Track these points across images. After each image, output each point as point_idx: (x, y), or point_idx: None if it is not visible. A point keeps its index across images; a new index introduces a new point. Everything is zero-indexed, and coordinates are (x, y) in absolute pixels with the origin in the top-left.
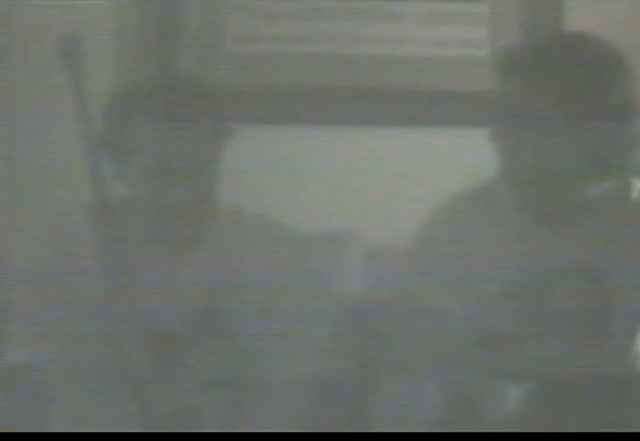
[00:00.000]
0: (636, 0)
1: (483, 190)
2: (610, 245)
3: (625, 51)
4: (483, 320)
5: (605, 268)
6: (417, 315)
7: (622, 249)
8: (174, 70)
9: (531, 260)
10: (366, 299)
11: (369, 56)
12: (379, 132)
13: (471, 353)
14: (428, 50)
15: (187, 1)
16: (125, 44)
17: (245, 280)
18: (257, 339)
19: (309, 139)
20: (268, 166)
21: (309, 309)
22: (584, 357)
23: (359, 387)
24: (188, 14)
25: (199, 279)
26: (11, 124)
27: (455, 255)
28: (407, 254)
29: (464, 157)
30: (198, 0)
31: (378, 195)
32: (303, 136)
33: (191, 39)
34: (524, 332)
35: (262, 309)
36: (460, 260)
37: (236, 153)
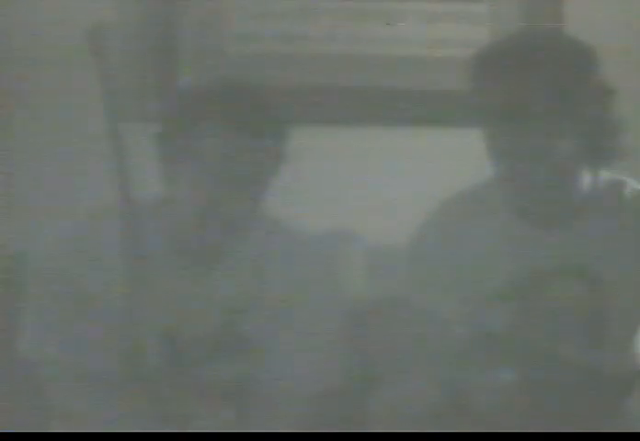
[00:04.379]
0: (635, 0)
1: (477, 192)
2: (604, 245)
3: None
4: (479, 320)
5: (600, 268)
6: (414, 315)
7: (617, 248)
8: (231, 76)
9: (526, 261)
10: (366, 300)
11: (369, 56)
12: (379, 132)
13: (468, 353)
14: (428, 51)
15: (187, 1)
16: (125, 44)
17: (244, 280)
18: (256, 339)
19: (309, 139)
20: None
21: (309, 309)
22: (580, 357)
23: (359, 387)
24: (188, 14)
25: (204, 279)
26: (36, 122)
27: (450, 257)
28: (404, 256)
29: (465, 157)
30: (198, 0)
31: (378, 195)
32: (304, 136)
33: (191, 38)
34: (520, 332)
35: (262, 309)
36: (455, 261)
37: None
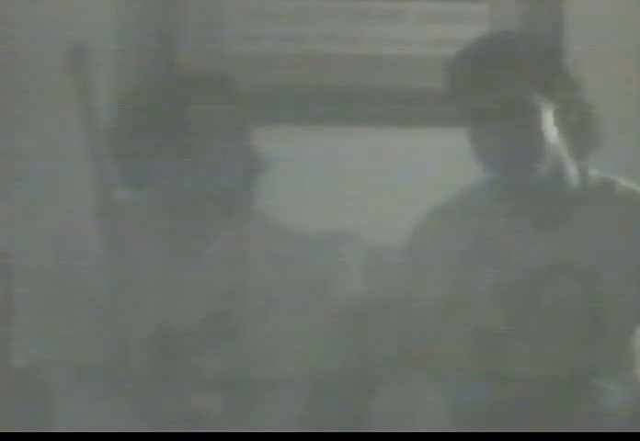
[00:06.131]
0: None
1: (473, 191)
2: (596, 244)
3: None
4: (476, 321)
5: (593, 267)
6: (413, 316)
7: (610, 247)
8: (183, 68)
9: (520, 261)
10: (366, 300)
11: (369, 56)
12: (379, 132)
13: (465, 353)
14: (428, 50)
15: (187, 1)
16: (125, 44)
17: (246, 280)
18: (257, 339)
19: (309, 139)
20: (267, 166)
21: (309, 309)
22: (575, 357)
23: (359, 387)
24: (188, 14)
25: (202, 280)
26: (16, 126)
27: (445, 257)
28: (400, 256)
29: (465, 157)
30: (198, 0)
31: (378, 195)
32: (303, 136)
33: (191, 39)
34: (516, 332)
35: (263, 309)
36: (451, 262)
37: None
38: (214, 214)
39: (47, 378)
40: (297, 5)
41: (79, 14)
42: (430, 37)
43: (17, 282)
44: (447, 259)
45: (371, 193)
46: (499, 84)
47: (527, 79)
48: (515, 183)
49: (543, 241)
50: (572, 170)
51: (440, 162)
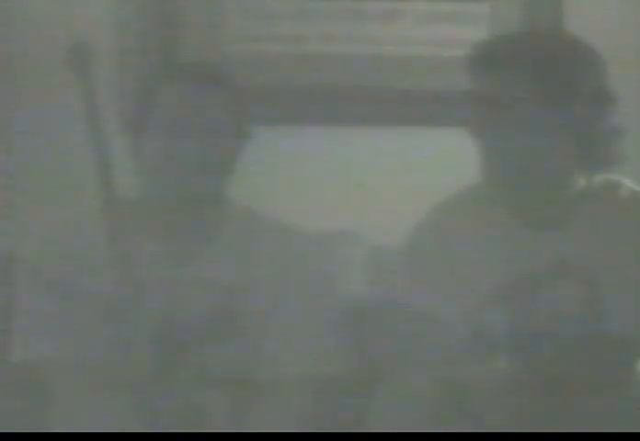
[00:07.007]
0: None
1: (474, 192)
2: (598, 245)
3: (626, 51)
4: (475, 322)
5: (594, 268)
6: (412, 316)
7: (611, 249)
8: (195, 61)
9: (522, 262)
10: (366, 299)
11: (369, 56)
12: (379, 132)
13: (465, 353)
14: (428, 50)
15: (187, 1)
16: (125, 44)
17: (246, 280)
18: (257, 339)
19: (309, 139)
20: (267, 166)
21: (309, 308)
22: (575, 358)
23: (359, 387)
24: (189, 13)
25: (204, 278)
26: (16, 123)
27: (447, 257)
28: (400, 257)
29: (465, 157)
30: (198, 0)
31: (378, 195)
32: (303, 136)
33: (191, 39)
34: (515, 333)
35: (263, 308)
36: (450, 263)
37: None
38: (215, 213)
39: (47, 377)
40: (297, 6)
41: (79, 13)
42: (430, 37)
43: (18, 281)
44: (447, 259)
45: (371, 193)
46: (501, 84)
47: (529, 80)
48: (516, 183)
49: (546, 242)
50: (579, 172)
51: (440, 162)
